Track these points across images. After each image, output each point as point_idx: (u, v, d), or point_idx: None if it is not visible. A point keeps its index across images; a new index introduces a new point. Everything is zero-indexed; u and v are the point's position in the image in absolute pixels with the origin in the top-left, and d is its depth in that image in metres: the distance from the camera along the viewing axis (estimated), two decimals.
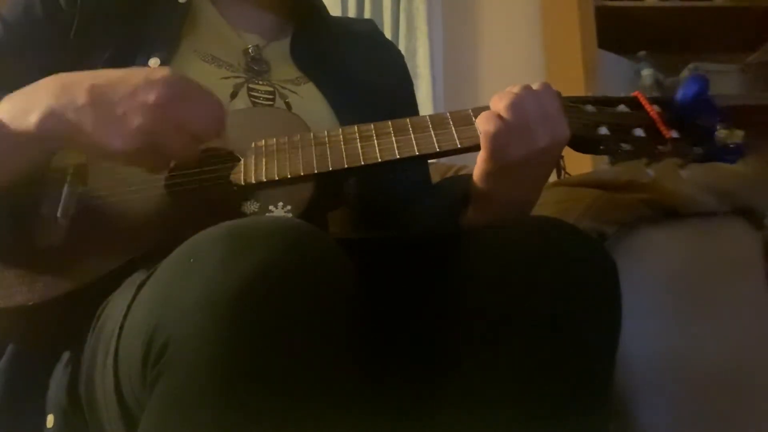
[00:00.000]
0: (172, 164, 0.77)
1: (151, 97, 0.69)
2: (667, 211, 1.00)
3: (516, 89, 0.75)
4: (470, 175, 0.79)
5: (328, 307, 0.56)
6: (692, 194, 1.00)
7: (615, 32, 2.12)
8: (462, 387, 0.67)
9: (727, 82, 2.27)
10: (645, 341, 0.97)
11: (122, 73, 0.73)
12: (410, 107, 1.10)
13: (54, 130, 0.70)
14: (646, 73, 2.19)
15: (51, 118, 0.70)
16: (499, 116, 0.73)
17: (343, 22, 1.16)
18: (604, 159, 0.79)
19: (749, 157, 0.92)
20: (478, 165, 0.76)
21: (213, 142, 0.76)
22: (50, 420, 0.75)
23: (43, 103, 0.71)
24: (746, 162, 0.97)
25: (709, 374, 0.96)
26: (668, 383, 0.96)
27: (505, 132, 0.72)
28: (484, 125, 0.73)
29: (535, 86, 0.75)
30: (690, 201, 1.00)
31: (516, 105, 0.73)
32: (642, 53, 2.23)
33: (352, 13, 2.34)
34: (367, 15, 2.34)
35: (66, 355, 0.77)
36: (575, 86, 2.06)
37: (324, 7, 1.08)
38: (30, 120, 0.70)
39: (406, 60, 1.20)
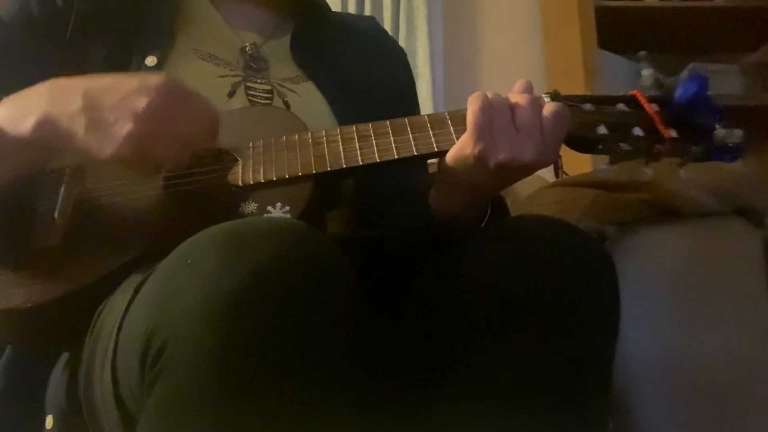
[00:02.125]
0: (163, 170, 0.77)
1: (141, 103, 0.69)
2: (667, 211, 1.00)
3: (528, 99, 0.72)
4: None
5: (326, 307, 0.56)
6: (692, 194, 1.00)
7: (615, 32, 2.11)
8: (460, 386, 0.67)
9: (727, 82, 2.26)
10: (644, 340, 0.97)
11: (117, 78, 0.73)
12: (411, 105, 1.09)
13: (48, 136, 0.71)
14: (646, 73, 2.18)
15: (45, 123, 0.70)
16: (493, 105, 0.71)
17: (344, 19, 1.15)
18: (604, 158, 0.79)
19: (749, 157, 0.92)
20: (457, 146, 0.74)
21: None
22: (49, 421, 0.75)
23: (39, 108, 0.71)
24: (746, 162, 0.97)
25: (709, 374, 0.96)
26: (668, 383, 0.96)
27: (490, 113, 0.70)
28: (472, 103, 0.71)
29: (549, 108, 0.72)
30: (690, 201, 1.00)
31: (509, 103, 0.71)
32: (642, 53, 2.22)
33: (352, 12, 2.33)
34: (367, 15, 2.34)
35: (65, 357, 0.77)
36: (575, 86, 2.06)
37: (326, 3, 1.07)
38: (25, 125, 0.71)
39: None
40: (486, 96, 0.72)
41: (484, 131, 0.70)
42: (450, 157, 0.74)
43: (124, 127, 0.68)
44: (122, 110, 0.69)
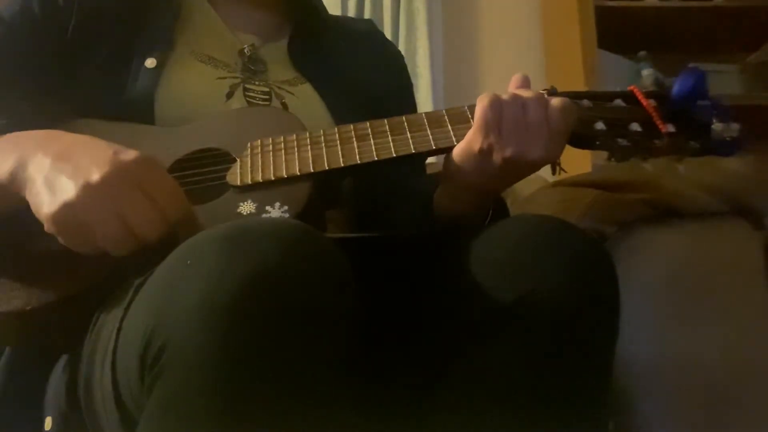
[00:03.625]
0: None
1: (95, 176, 0.66)
2: (667, 211, 1.00)
3: (536, 96, 0.73)
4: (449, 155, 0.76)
5: (326, 307, 0.56)
6: (692, 194, 1.00)
7: (615, 32, 2.12)
8: (460, 385, 0.67)
9: (727, 82, 2.27)
10: (645, 341, 0.97)
11: (98, 144, 0.70)
12: (408, 107, 1.09)
13: (17, 182, 0.70)
14: (646, 73, 2.18)
15: (18, 168, 0.70)
16: (502, 104, 0.72)
17: (341, 21, 1.16)
18: (603, 155, 0.79)
19: (749, 157, 0.92)
20: (464, 141, 0.74)
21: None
22: (48, 422, 0.75)
23: (19, 151, 0.71)
24: (746, 162, 0.97)
25: (709, 374, 0.96)
26: (668, 383, 0.96)
27: (499, 109, 0.71)
28: (482, 100, 0.72)
29: (556, 102, 0.73)
30: (690, 201, 1.00)
31: (518, 100, 0.72)
32: (642, 53, 2.23)
33: (352, 13, 2.34)
34: (367, 15, 2.34)
35: (64, 358, 0.77)
36: (575, 86, 2.06)
37: (323, 6, 1.08)
38: (4, 167, 0.71)
39: (406, 60, 1.19)
40: (495, 94, 0.72)
41: (492, 126, 0.71)
42: (457, 152, 0.74)
43: (67, 193, 0.66)
44: (76, 176, 0.66)
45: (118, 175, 0.66)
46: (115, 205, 0.66)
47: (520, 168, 0.73)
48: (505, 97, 0.72)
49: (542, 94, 0.74)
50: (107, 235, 0.66)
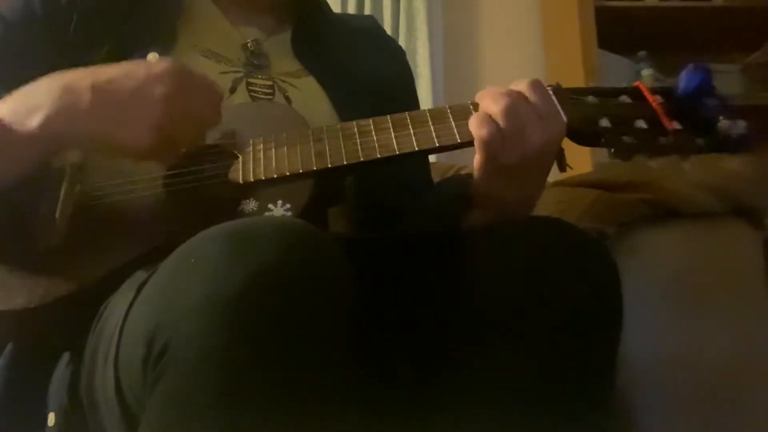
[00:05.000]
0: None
1: (157, 91, 0.70)
2: (667, 211, 1.00)
3: (507, 93, 0.73)
4: (470, 175, 0.77)
5: (327, 307, 0.56)
6: (692, 194, 1.00)
7: (615, 32, 2.12)
8: (461, 386, 0.67)
9: (727, 82, 2.27)
10: (645, 341, 0.97)
11: (122, 68, 0.73)
12: (411, 102, 1.09)
13: (58, 132, 0.70)
14: (646, 73, 2.19)
15: (55, 119, 0.70)
16: (492, 120, 0.71)
17: (344, 18, 1.16)
18: (603, 153, 0.78)
19: (749, 157, 0.92)
20: (475, 168, 0.75)
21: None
22: (51, 419, 0.75)
23: (45, 104, 0.70)
24: (746, 162, 0.97)
25: (709, 374, 0.96)
26: (668, 382, 0.96)
27: (499, 138, 0.71)
28: (477, 130, 0.72)
29: (523, 85, 0.73)
30: (690, 201, 1.00)
31: (510, 111, 0.71)
32: (642, 53, 2.24)
33: (352, 12, 2.34)
34: None
35: (67, 355, 0.77)
36: (575, 86, 2.06)
37: (325, 2, 1.08)
38: (32, 122, 0.70)
39: None
40: (494, 124, 0.72)
41: (496, 154, 0.71)
42: (479, 177, 0.75)
43: (145, 117, 0.69)
44: (138, 100, 0.70)
45: (171, 82, 0.71)
46: (184, 105, 0.72)
47: (537, 159, 0.73)
48: (499, 119, 0.71)
49: (510, 89, 0.74)
50: (187, 134, 0.73)
